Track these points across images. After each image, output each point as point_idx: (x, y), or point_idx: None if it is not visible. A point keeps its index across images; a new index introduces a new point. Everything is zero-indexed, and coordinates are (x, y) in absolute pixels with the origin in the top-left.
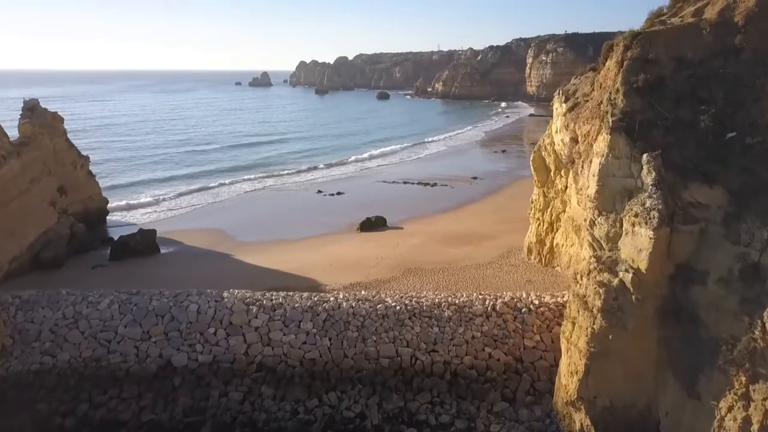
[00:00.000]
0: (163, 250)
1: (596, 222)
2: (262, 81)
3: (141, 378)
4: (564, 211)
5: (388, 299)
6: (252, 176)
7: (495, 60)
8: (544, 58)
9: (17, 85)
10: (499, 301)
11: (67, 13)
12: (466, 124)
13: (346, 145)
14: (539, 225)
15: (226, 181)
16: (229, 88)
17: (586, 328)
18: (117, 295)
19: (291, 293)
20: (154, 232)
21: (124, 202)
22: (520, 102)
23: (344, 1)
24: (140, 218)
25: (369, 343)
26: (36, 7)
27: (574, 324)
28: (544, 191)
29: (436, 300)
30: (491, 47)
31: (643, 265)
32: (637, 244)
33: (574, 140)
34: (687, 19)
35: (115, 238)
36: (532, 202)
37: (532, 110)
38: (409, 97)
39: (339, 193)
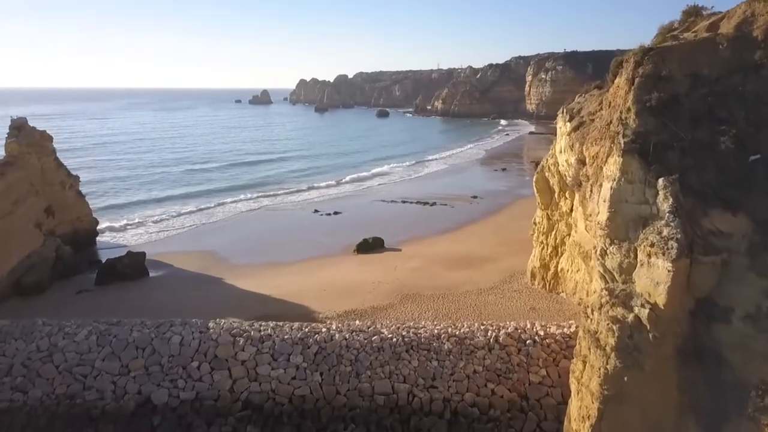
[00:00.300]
0: (152, 274)
1: (608, 252)
2: (262, 99)
3: (117, 417)
4: (569, 234)
5: (384, 330)
6: (249, 196)
7: (494, 78)
8: (543, 76)
9: (18, 102)
10: (502, 331)
11: (68, 31)
12: (466, 142)
13: (345, 163)
14: (543, 249)
15: (222, 201)
16: (229, 106)
17: (599, 369)
18: (96, 325)
19: (281, 323)
20: (143, 254)
21: (116, 223)
22: (519, 120)
23: (345, 19)
24: (131, 240)
25: (363, 378)
26: (37, 23)
27: (585, 363)
28: (548, 214)
29: (435, 331)
30: (490, 65)
31: (660, 300)
32: (654, 277)
33: (581, 162)
34: (701, 33)
35: (105, 261)
36: (535, 224)
37: (531, 128)
38: (408, 115)
39: (336, 213)
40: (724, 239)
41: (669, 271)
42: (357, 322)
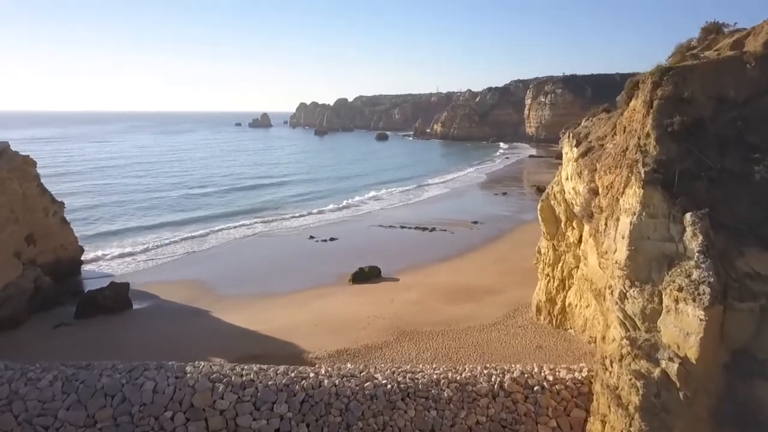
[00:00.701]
0: (136, 306)
1: (628, 295)
2: (262, 122)
3: None
4: (577, 267)
5: (378, 375)
6: (244, 221)
7: (494, 101)
8: (542, 100)
9: (20, 126)
10: (507, 376)
11: (69, 53)
12: (466, 166)
13: (343, 188)
14: (549, 282)
15: (216, 228)
16: (229, 129)
17: (621, 431)
18: (62, 369)
19: (265, 367)
20: (126, 285)
21: (104, 251)
22: (519, 143)
23: (345, 44)
24: (118, 268)
25: (354, 430)
26: (42, 45)
27: (604, 424)
28: (553, 244)
29: (434, 376)
30: (490, 89)
31: (691, 353)
32: (683, 326)
33: (593, 192)
34: (725, 52)
35: (85, 293)
36: (539, 253)
37: (531, 151)
38: (408, 138)
39: (332, 239)
40: (763, 283)
41: (701, 320)
42: (348, 365)
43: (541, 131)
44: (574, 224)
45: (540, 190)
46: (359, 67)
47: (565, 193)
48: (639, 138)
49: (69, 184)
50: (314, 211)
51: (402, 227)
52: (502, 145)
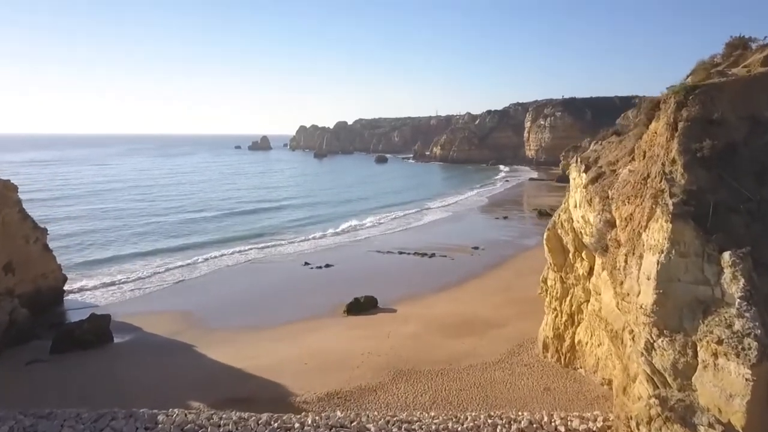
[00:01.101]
0: (117, 339)
1: (656, 346)
2: (262, 145)
3: None
4: (587, 301)
5: (371, 426)
6: (238, 248)
7: (493, 124)
8: (542, 122)
9: (20, 149)
10: (514, 427)
11: (71, 74)
12: (466, 189)
13: (341, 212)
14: (557, 316)
15: (210, 254)
16: (228, 152)
17: None
18: (21, 419)
19: (246, 416)
20: (107, 318)
21: (91, 280)
22: (519, 166)
23: (345, 68)
24: (103, 298)
25: None
26: (43, 67)
27: None
28: (561, 276)
29: (433, 427)
30: (489, 111)
31: (737, 420)
32: (726, 386)
33: (609, 223)
34: (756, 68)
35: (64, 325)
36: (544, 284)
37: (532, 174)
38: (407, 160)
39: (327, 266)
40: None
41: (747, 379)
42: (338, 412)
43: (541, 154)
44: (584, 255)
45: (542, 214)
46: (359, 90)
47: (573, 221)
48: (663, 164)
49: (64, 208)
50: (311, 236)
51: (400, 253)
52: (501, 167)
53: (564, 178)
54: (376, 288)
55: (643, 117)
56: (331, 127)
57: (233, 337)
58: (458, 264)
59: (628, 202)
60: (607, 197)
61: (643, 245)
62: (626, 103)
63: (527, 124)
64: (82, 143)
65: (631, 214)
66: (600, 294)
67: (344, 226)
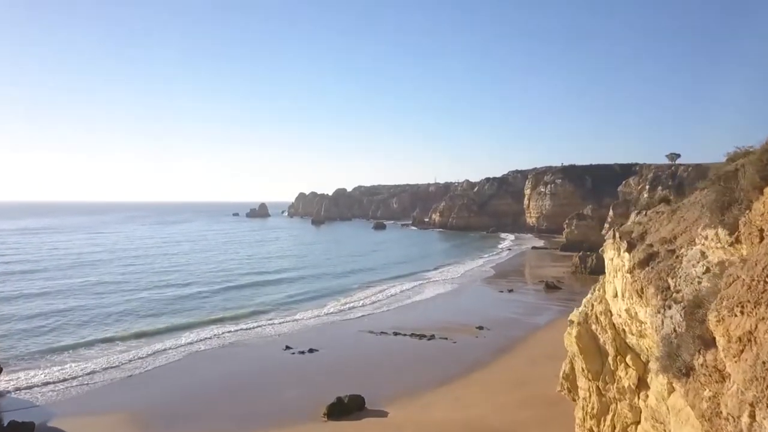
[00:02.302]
0: None
1: None
2: (260, 212)
3: None
4: (636, 423)
5: None
6: (217, 329)
7: (492, 191)
8: (542, 189)
9: (16, 216)
10: None
11: (74, 141)
12: (466, 258)
13: (333, 286)
14: None
15: (184, 338)
16: (226, 219)
17: None
18: None
19: None
20: (30, 426)
21: (35, 373)
22: (520, 233)
23: (344, 136)
24: (43, 397)
25: None
26: (48, 132)
27: None
28: (598, 386)
29: None
30: (488, 179)
31: None
32: None
33: (703, 341)
34: None
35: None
36: (566, 380)
37: (534, 242)
38: (405, 227)
39: (311, 351)
40: None
41: None
42: None
43: (542, 221)
44: (629, 361)
45: (549, 286)
46: (359, 158)
47: (612, 315)
48: None
49: (41, 282)
50: (298, 314)
51: (396, 334)
52: (502, 235)
53: (568, 247)
54: (365, 381)
55: (744, 180)
56: (330, 193)
57: None
58: (461, 348)
59: (742, 312)
60: (668, 288)
61: None
62: (627, 170)
63: (527, 192)
64: (83, 210)
65: (752, 332)
66: (664, 424)
67: (335, 302)
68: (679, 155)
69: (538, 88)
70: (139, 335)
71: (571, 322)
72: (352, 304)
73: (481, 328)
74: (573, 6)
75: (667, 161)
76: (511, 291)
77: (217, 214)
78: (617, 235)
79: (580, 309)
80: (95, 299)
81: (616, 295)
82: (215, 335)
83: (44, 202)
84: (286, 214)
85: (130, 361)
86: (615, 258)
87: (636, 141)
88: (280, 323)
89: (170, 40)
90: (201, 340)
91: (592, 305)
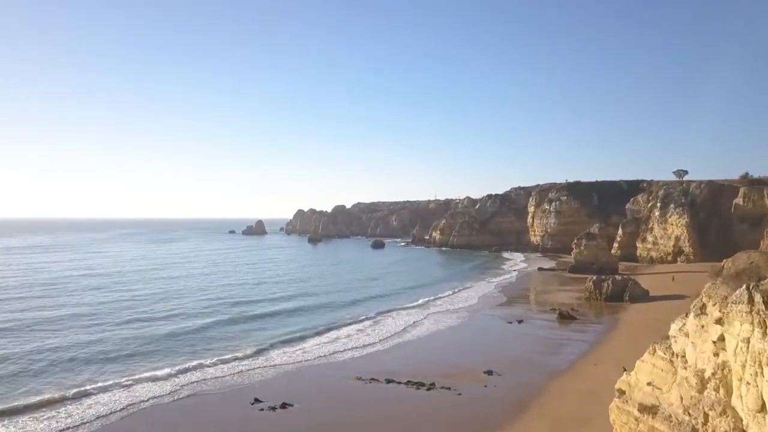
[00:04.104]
0: None
1: None
2: (257, 229)
3: None
4: None
5: None
6: (182, 374)
7: (494, 209)
8: (547, 207)
9: (8, 234)
10: None
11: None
12: (470, 281)
13: (320, 319)
14: None
15: (142, 386)
16: (221, 237)
17: None
18: None
19: None
20: None
21: None
22: (523, 253)
23: (344, 154)
24: None
25: None
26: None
27: None
28: None
29: None
30: (489, 196)
31: None
32: None
33: None
34: None
35: None
36: None
37: (539, 263)
38: (405, 245)
39: (284, 406)
40: None
41: None
42: None
43: (547, 240)
44: None
45: (563, 316)
46: (358, 175)
47: (737, 409)
48: None
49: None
50: (275, 354)
51: (389, 381)
52: (506, 255)
53: (577, 268)
54: None
55: None
56: (329, 210)
57: None
58: (467, 404)
59: None
60: None
61: None
62: (634, 187)
63: (531, 209)
64: (81, 228)
65: None
66: None
67: (321, 337)
68: (686, 172)
69: (538, 103)
70: (78, 395)
71: (620, 392)
72: (340, 342)
73: (490, 373)
74: (578, 20)
75: (674, 177)
76: (521, 322)
77: (213, 231)
78: (751, 295)
79: (630, 379)
80: (55, 337)
81: (762, 408)
82: (173, 388)
83: (39, 219)
84: (283, 231)
85: (73, 416)
86: (756, 337)
87: (640, 157)
88: (253, 368)
89: (165, 50)
90: (153, 397)
91: (671, 403)
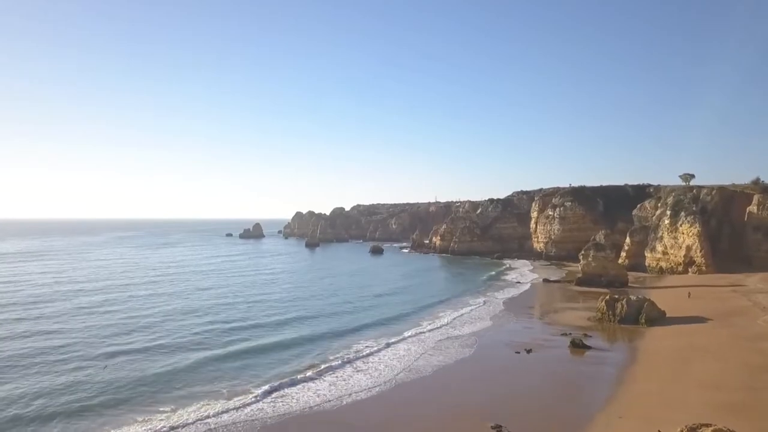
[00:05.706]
0: None
1: None
2: (254, 233)
3: None
4: None
5: None
6: (144, 416)
7: (496, 213)
8: (550, 213)
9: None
10: None
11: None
12: (472, 296)
13: (298, 349)
14: None
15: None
16: (217, 241)
17: None
18: None
19: None
20: None
21: None
22: (527, 260)
23: (344, 155)
24: None
25: None
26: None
27: None
28: None
29: None
30: (491, 200)
31: None
32: None
33: None
34: None
35: None
36: None
37: (543, 272)
38: (404, 250)
39: None
40: None
41: None
42: None
43: (551, 247)
44: None
45: (575, 345)
46: (357, 177)
47: None
48: None
49: None
50: (238, 402)
51: None
52: (509, 262)
53: (585, 281)
54: None
55: None
56: (328, 213)
57: None
58: None
59: None
60: None
61: None
62: (640, 192)
63: (534, 215)
64: (75, 230)
65: None
66: None
67: (302, 375)
68: (693, 176)
69: (539, 104)
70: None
71: None
72: (322, 379)
73: (498, 429)
74: (581, 21)
75: (680, 182)
76: (529, 351)
77: (210, 232)
78: None
79: None
80: (20, 369)
81: None
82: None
83: (37, 220)
84: (281, 234)
85: None
86: None
87: (645, 159)
88: (210, 418)
89: (163, 51)
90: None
91: None
